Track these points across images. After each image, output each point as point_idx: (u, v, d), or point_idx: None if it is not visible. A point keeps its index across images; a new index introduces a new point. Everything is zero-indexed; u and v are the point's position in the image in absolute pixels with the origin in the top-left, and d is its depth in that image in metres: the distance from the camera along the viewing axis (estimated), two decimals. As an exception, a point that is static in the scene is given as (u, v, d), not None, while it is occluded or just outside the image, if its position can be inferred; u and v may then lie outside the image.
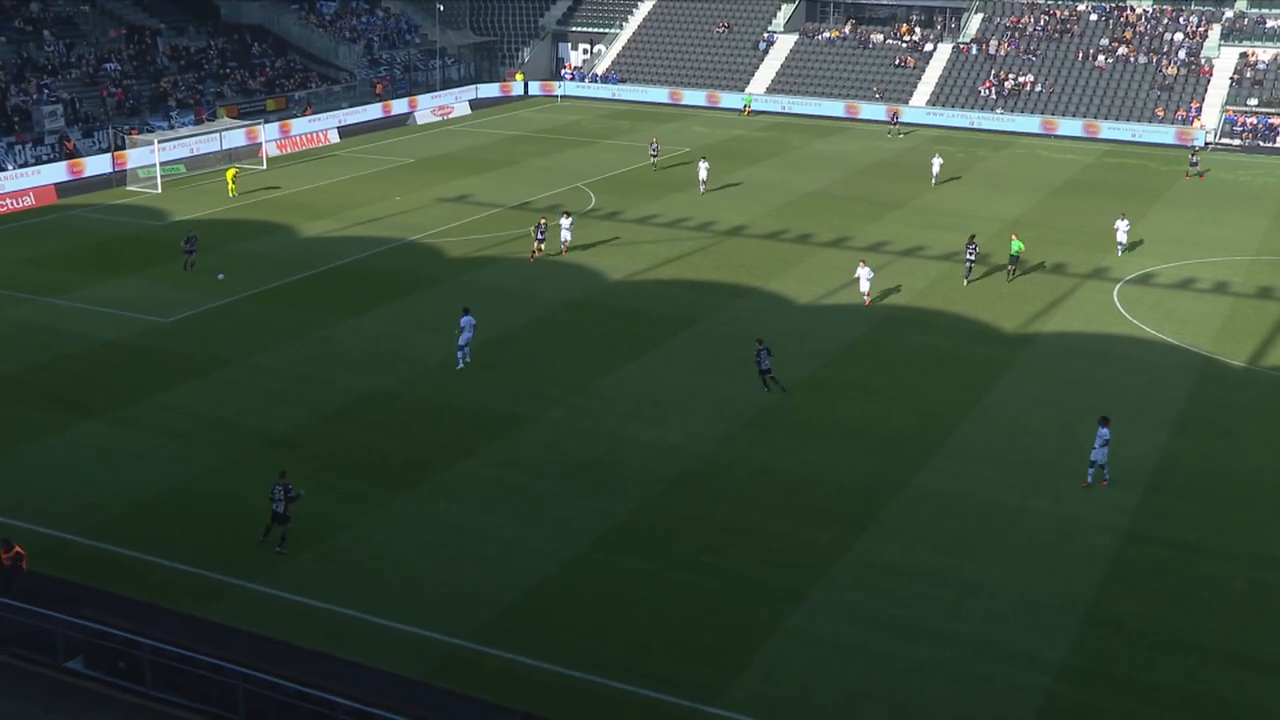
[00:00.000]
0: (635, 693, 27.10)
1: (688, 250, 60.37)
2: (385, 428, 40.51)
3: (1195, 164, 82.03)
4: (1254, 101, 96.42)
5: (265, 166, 78.92)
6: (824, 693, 27.35)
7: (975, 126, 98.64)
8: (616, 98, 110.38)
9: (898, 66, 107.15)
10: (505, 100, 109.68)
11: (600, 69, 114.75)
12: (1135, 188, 78.63)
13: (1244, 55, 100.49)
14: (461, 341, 44.79)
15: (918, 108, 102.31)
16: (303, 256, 59.24)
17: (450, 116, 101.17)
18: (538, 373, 45.05)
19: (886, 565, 32.56)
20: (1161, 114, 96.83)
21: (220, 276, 47.78)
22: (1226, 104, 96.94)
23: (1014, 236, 57.49)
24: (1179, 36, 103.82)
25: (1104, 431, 36.31)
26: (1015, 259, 56.52)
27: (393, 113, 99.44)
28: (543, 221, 58.96)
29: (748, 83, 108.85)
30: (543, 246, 58.29)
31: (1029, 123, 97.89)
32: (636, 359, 46.43)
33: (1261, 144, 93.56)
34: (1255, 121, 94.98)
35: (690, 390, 43.56)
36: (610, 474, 37.27)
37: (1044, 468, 38.23)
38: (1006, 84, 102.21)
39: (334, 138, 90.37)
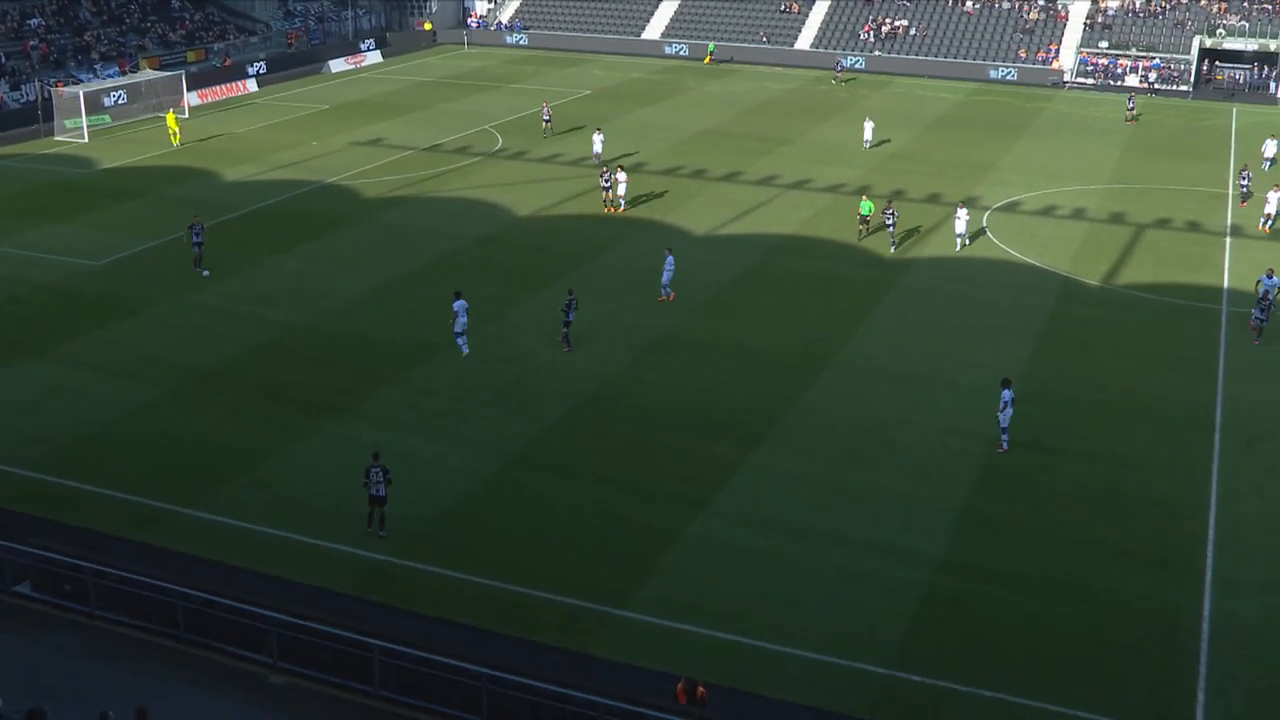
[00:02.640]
0: (550, 599, 27.23)
1: (590, 187, 60.00)
2: (310, 359, 40.04)
3: (1132, 109, 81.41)
4: (1104, 44, 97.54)
5: (187, 115, 76.99)
6: (723, 593, 27.65)
7: (856, 67, 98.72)
8: (520, 44, 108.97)
9: (783, 12, 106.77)
10: (415, 48, 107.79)
11: (505, 17, 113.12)
12: (1001, 123, 79.37)
13: (1095, 2, 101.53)
14: (458, 329, 39.78)
15: (802, 50, 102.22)
16: (227, 200, 58.05)
17: (362, 65, 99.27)
18: (451, 304, 44.58)
19: (781, 474, 32.89)
20: (1024, 55, 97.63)
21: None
22: (1081, 46, 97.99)
23: (864, 197, 54.37)
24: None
25: (1006, 394, 33.71)
26: (865, 219, 52.52)
27: (308, 61, 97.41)
28: (606, 171, 57.66)
29: (644, 28, 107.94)
30: (611, 194, 56.69)
31: (906, 64, 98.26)
32: (545, 289, 46.20)
33: (1111, 83, 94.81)
34: (1106, 62, 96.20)
35: (596, 317, 43.44)
36: (523, 397, 37.19)
37: (923, 381, 38.74)
38: (884, 28, 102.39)
39: (252, 86, 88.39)
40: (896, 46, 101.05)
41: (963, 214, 51.84)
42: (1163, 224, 56.74)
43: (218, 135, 72.03)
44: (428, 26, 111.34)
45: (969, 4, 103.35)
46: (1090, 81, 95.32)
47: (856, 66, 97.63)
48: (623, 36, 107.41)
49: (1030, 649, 26.03)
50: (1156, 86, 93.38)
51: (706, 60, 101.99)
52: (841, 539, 29.81)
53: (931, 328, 43.24)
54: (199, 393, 37.20)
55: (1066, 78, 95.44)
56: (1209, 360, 40.93)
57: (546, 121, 71.54)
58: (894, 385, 38.51)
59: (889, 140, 70.87)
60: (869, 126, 70.39)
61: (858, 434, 35.32)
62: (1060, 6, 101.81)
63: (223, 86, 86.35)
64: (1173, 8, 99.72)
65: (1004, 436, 34.16)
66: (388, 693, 22.74)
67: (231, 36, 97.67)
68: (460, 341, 39.91)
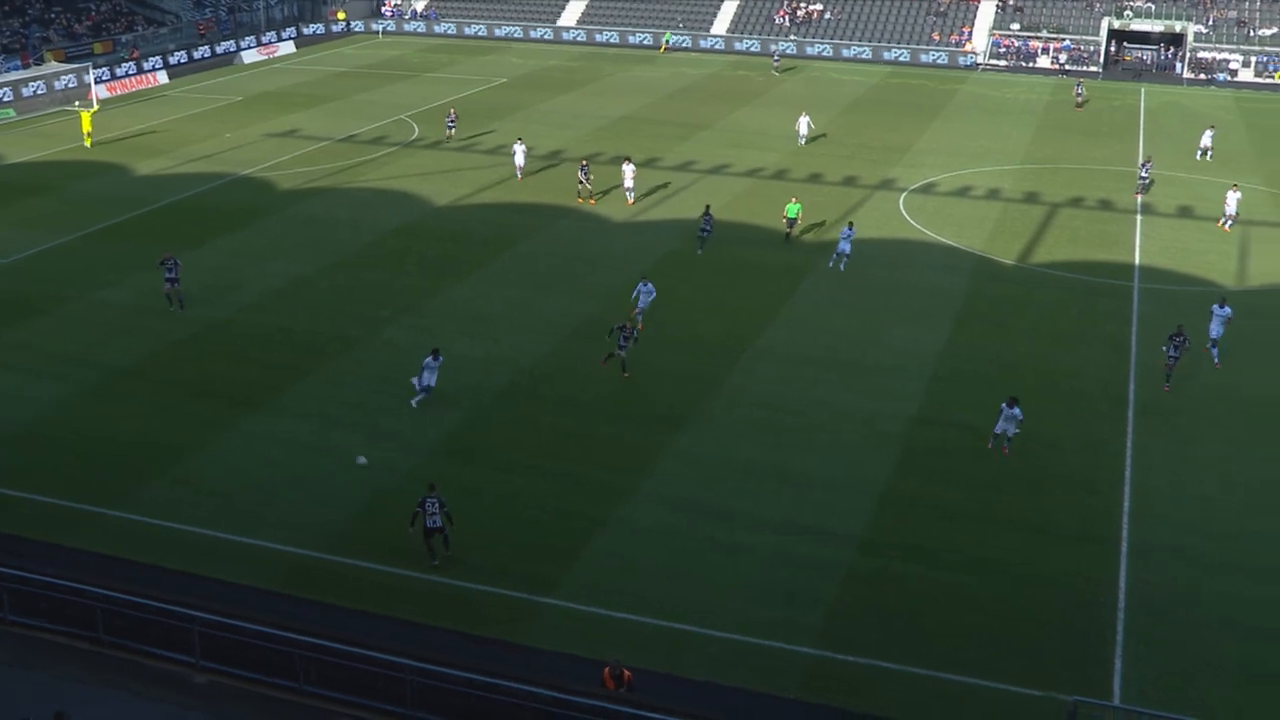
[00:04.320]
0: (478, 589, 27.19)
1: (508, 175, 59.83)
2: (228, 354, 39.58)
3: (1080, 94, 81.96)
4: (1016, 26, 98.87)
5: (96, 108, 75.65)
6: (649, 578, 27.79)
7: (756, 50, 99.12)
8: (435, 33, 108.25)
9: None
10: (329, 37, 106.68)
11: (419, 6, 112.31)
12: (916, 105, 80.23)
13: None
14: (421, 385, 35.71)
15: (718, 35, 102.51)
16: (139, 194, 57.14)
17: (276, 55, 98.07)
18: (370, 296, 44.36)
19: (704, 459, 33.07)
20: (937, 38, 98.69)
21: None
22: (993, 29, 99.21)
23: (793, 200, 52.48)
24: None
25: (1016, 411, 32.79)
26: (793, 222, 50.92)
27: (220, 52, 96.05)
28: (586, 164, 56.88)
29: (559, 16, 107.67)
30: (589, 186, 55.85)
31: (821, 47, 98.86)
32: (464, 279, 46.03)
33: (1024, 64, 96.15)
34: (1017, 44, 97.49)
35: (516, 306, 43.41)
36: (445, 387, 37.02)
37: (844, 364, 39.13)
38: (799, 13, 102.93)
39: (163, 79, 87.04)
40: (812, 31, 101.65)
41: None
42: (1075, 203, 57.71)
43: (129, 129, 70.82)
44: (341, 16, 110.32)
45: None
46: (1003, 63, 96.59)
47: (788, 53, 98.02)
48: (539, 24, 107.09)
49: (952, 625, 26.44)
50: (1067, 68, 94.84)
51: (662, 50, 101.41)
52: (765, 521, 30.05)
53: (850, 310, 43.66)
54: (116, 391, 36.65)
55: (979, 60, 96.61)
56: (1122, 336, 41.73)
57: (450, 128, 67.61)
58: (814, 368, 38.86)
59: (825, 135, 70.22)
60: (804, 121, 68.43)
61: (780, 417, 35.60)
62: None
63: (132, 79, 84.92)
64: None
65: (992, 441, 33.64)
66: (314, 688, 22.60)
67: (140, 28, 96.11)
68: (418, 390, 35.66)
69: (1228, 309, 39.18)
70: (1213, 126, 67.81)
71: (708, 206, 49.40)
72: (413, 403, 35.43)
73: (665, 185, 58.85)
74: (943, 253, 49.78)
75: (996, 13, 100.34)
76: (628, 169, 55.93)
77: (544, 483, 31.79)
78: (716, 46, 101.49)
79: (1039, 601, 27.29)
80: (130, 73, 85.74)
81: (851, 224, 47.41)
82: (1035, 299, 45.12)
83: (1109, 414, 36.08)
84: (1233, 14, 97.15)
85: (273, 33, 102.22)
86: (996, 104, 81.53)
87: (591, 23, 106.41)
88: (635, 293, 41.44)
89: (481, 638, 25.58)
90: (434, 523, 27.70)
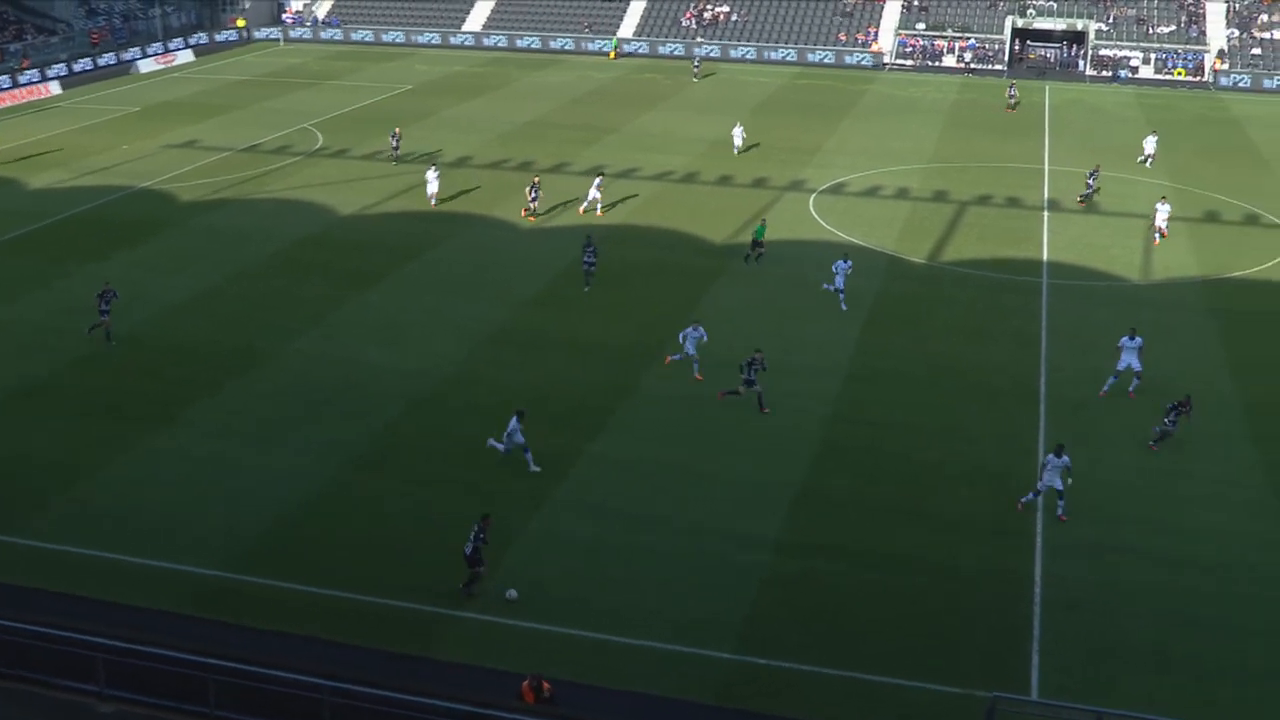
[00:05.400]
0: (392, 605, 26.88)
1: (415, 183, 59.37)
2: (131, 370, 38.80)
3: (1013, 96, 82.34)
4: (922, 25, 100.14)
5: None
6: (567, 587, 27.66)
7: (678, 54, 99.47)
8: (338, 39, 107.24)
9: (605, 2, 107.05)
10: (229, 45, 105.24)
11: (321, 13, 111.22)
12: (824, 105, 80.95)
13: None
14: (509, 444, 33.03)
15: (625, 39, 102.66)
16: (34, 208, 55.88)
17: (174, 64, 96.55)
18: (277, 307, 43.80)
19: (619, 464, 33.04)
20: (844, 38, 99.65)
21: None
22: (899, 28, 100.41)
23: (760, 221, 50.54)
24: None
25: (1065, 460, 30.44)
26: (759, 243, 48.60)
27: (115, 61, 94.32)
28: (536, 180, 55.60)
29: (464, 21, 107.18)
30: (537, 205, 54.56)
31: (728, 49, 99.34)
32: (372, 288, 45.61)
33: (930, 63, 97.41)
34: (923, 43, 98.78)
35: (427, 314, 43.10)
36: (354, 399, 36.64)
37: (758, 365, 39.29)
38: (705, 15, 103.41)
39: (55, 89, 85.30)
40: (719, 33, 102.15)
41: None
42: (983, 200, 58.57)
43: (20, 141, 69.22)
44: (240, 24, 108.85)
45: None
46: (909, 63, 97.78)
47: (695, 54, 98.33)
48: (444, 29, 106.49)
49: (871, 625, 26.62)
50: (973, 66, 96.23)
51: (611, 56, 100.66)
52: (683, 525, 30.05)
53: (762, 312, 43.89)
54: (13, 413, 35.77)
55: (886, 59, 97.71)
56: (1031, 332, 42.39)
57: (394, 148, 64.45)
58: (729, 370, 38.89)
59: (759, 144, 69.03)
60: (738, 131, 67.07)
61: (694, 420, 35.66)
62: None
63: (23, 90, 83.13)
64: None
65: (1035, 495, 31.09)
66: (226, 713, 22.20)
67: (30, 36, 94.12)
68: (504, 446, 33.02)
69: (1139, 339, 37.46)
70: (1155, 132, 67.83)
71: (589, 236, 46.61)
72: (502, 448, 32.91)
73: (573, 191, 58.72)
74: (853, 252, 50.15)
75: (902, 12, 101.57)
76: (597, 180, 55.35)
77: (456, 493, 31.53)
78: (623, 50, 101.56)
79: (956, 597, 27.59)
80: (21, 83, 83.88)
81: (847, 256, 45.26)
82: (945, 297, 45.68)
83: (1020, 409, 36.60)
84: (1132, 12, 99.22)
85: (171, 41, 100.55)
86: (904, 103, 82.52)
87: (498, 27, 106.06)
88: (682, 336, 38.33)
89: (399, 654, 25.30)
90: (465, 549, 27.12)
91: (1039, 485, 30.81)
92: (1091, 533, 30.25)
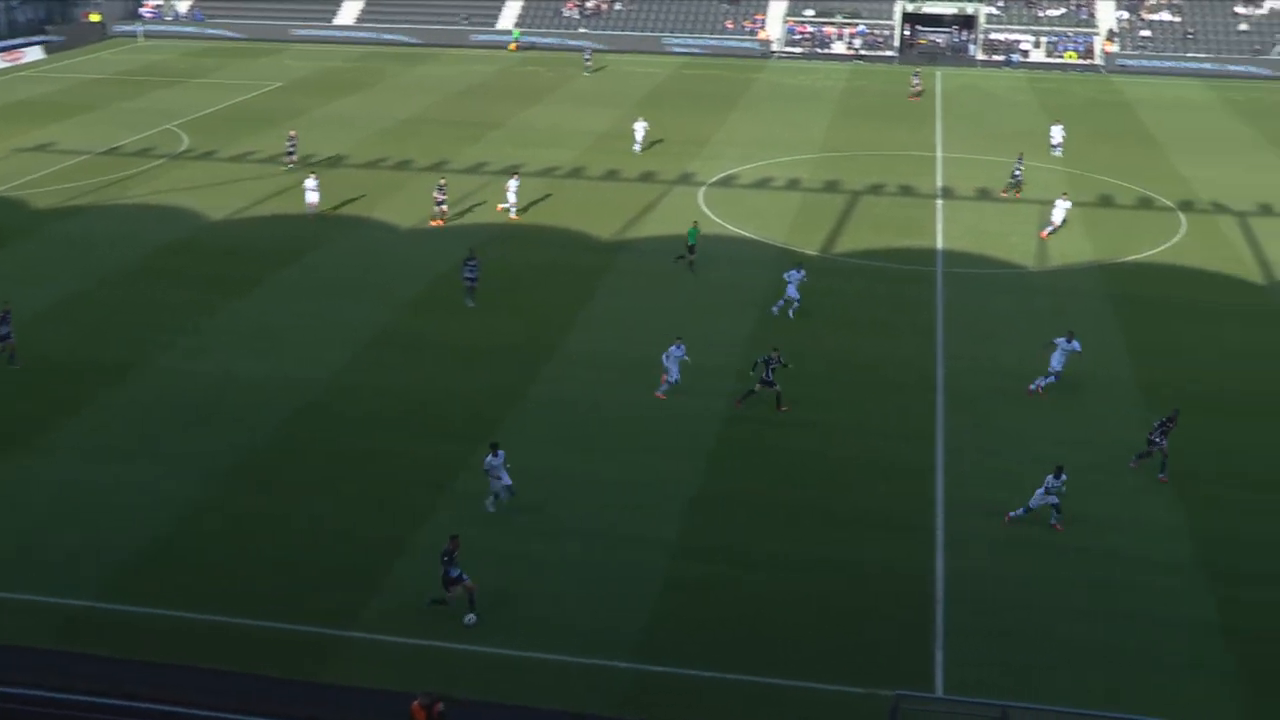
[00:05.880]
0: (274, 628, 26.49)
1: (288, 185, 58.63)
2: (-14, 390, 37.85)
3: (917, 84, 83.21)
4: (811, 12, 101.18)
5: None
6: (457, 599, 27.52)
7: (564, 45, 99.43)
8: (202, 35, 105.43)
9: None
10: (83, 42, 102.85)
11: (183, 7, 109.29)
12: (712, 96, 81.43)
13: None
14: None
15: (504, 31, 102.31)
16: (-126, 220, 54.24)
17: (21, 62, 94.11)
18: (147, 318, 42.94)
19: (511, 471, 32.75)
20: (731, 26, 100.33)
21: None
22: (788, 15, 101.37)
23: (693, 224, 49.18)
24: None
25: (1058, 479, 30.57)
26: (692, 248, 47.80)
27: None
28: (442, 182, 54.69)
29: (335, 14, 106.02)
30: (445, 209, 53.65)
31: (613, 39, 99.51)
32: (246, 295, 44.95)
33: (818, 50, 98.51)
34: (812, 30, 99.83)
35: (303, 320, 42.58)
36: (230, 412, 36.06)
37: (649, 365, 39.29)
38: (588, 4, 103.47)
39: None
40: (602, 23, 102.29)
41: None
42: (875, 190, 59.39)
43: None
44: (95, 18, 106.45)
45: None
46: (798, 50, 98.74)
47: (597, 48, 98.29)
48: (315, 23, 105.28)
49: (774, 627, 26.83)
50: (863, 53, 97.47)
51: (512, 48, 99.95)
52: (577, 532, 30.04)
53: (653, 310, 44.05)
54: None
55: (774, 47, 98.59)
56: (927, 323, 43.07)
57: (290, 152, 62.73)
58: (620, 371, 39.05)
59: (661, 141, 68.28)
60: (640, 126, 66.26)
61: (586, 423, 35.68)
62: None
63: None
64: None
65: (1024, 511, 30.89)
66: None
67: None
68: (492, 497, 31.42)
69: (1076, 343, 37.64)
70: (1060, 122, 68.79)
71: (472, 250, 45.34)
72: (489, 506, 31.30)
73: (455, 190, 58.43)
74: (744, 246, 50.64)
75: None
76: (512, 183, 54.74)
77: (340, 507, 31.19)
78: (502, 41, 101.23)
79: (858, 596, 27.94)
80: None
81: (800, 265, 44.84)
82: (840, 289, 46.20)
83: (918, 400, 37.16)
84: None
85: (20, 38, 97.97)
86: (793, 92, 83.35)
87: (371, 21, 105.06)
88: (665, 356, 37.30)
89: (283, 680, 24.94)
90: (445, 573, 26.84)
91: (1032, 503, 30.54)
92: (992, 526, 30.80)
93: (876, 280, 47.15)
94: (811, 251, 49.91)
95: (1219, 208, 57.74)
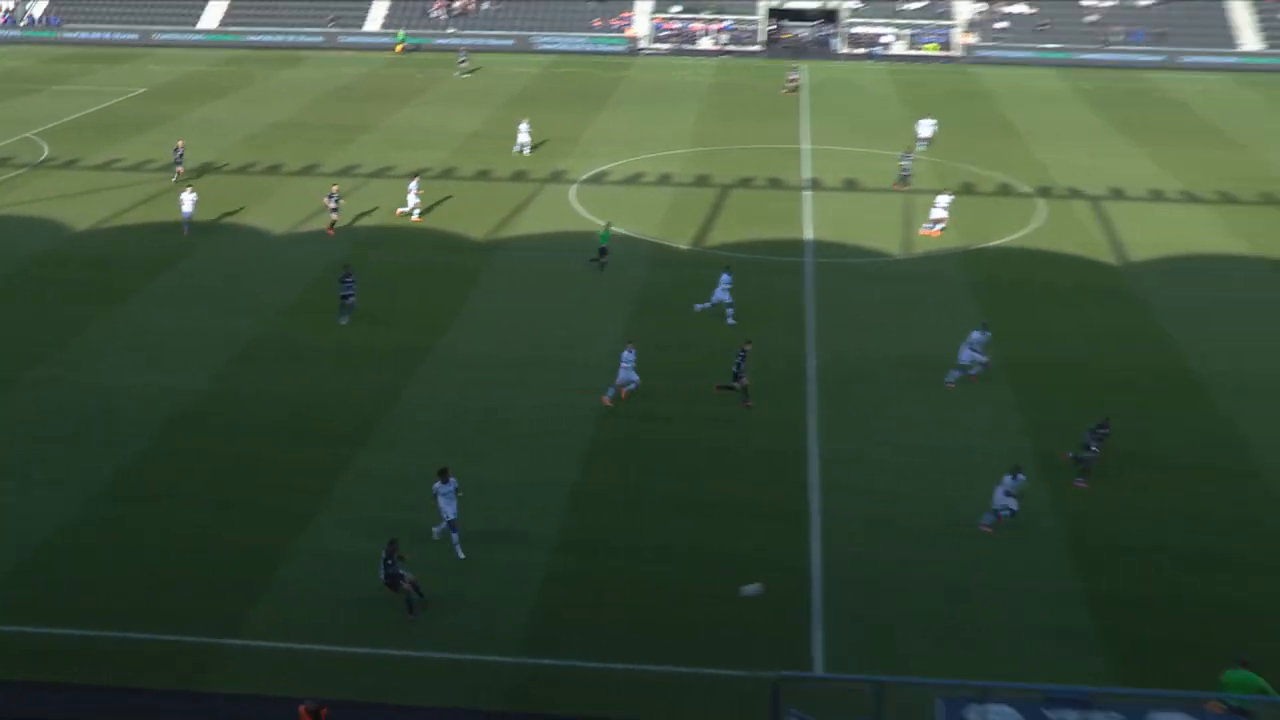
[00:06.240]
0: (155, 639, 26.18)
1: (156, 192, 57.68)
2: None
3: (793, 79, 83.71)
4: (677, 8, 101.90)
5: None
6: (341, 604, 27.46)
7: (452, 45, 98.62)
8: (60, 39, 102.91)
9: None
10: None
11: (37, 11, 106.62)
12: (583, 94, 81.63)
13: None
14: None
15: (371, 32, 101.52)
16: None
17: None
18: (13, 332, 41.99)
19: (387, 475, 32.88)
20: (599, 24, 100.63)
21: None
22: (654, 12, 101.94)
23: (605, 226, 49.20)
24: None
25: (1015, 479, 30.55)
26: (604, 249, 47.75)
27: None
28: (335, 189, 53.28)
29: (199, 18, 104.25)
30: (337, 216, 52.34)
31: (483, 40, 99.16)
32: (118, 305, 44.17)
33: (685, 46, 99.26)
34: (679, 27, 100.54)
35: (178, 330, 41.99)
36: (106, 425, 35.46)
37: (524, 364, 39.57)
38: (455, 4, 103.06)
39: None
40: (470, 24, 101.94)
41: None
42: (745, 183, 60.14)
43: None
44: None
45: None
46: (665, 47, 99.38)
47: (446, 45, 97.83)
48: (177, 27, 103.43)
49: (656, 616, 27.21)
50: (729, 48, 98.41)
51: (398, 49, 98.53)
52: (458, 533, 30.08)
53: (527, 309, 44.19)
54: None
55: (642, 45, 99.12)
56: (797, 312, 43.79)
57: (177, 162, 60.12)
58: (495, 371, 39.14)
59: (546, 142, 67.75)
60: (524, 127, 65.78)
61: (463, 425, 35.72)
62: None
63: None
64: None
65: (1001, 513, 30.64)
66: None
67: None
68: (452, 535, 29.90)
69: (988, 334, 38.50)
70: (932, 117, 69.40)
71: (348, 267, 43.66)
72: (435, 531, 30.06)
73: (330, 193, 57.92)
74: (617, 242, 50.84)
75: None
76: (412, 184, 54.43)
77: (218, 516, 30.90)
78: (370, 43, 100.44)
79: (737, 583, 28.36)
80: None
81: (729, 268, 44.13)
82: (712, 281, 46.47)
83: (791, 389, 37.78)
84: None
85: None
86: (662, 88, 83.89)
87: (236, 24, 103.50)
88: (621, 358, 37.00)
89: (165, 691, 24.72)
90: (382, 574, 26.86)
91: (997, 507, 30.43)
92: (866, 510, 31.52)
93: (748, 271, 47.64)
94: (683, 245, 50.39)
95: (1074, 193, 59.49)
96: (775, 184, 60.25)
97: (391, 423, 35.84)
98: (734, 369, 36.85)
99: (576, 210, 55.28)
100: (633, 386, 37.05)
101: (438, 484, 29.32)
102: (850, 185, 60.06)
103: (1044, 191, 59.68)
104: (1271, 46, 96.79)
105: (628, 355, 36.94)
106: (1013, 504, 30.47)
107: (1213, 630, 27.02)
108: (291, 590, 28.00)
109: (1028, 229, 53.61)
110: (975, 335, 38.48)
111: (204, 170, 61.73)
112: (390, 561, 26.77)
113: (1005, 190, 59.82)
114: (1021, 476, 30.62)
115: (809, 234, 52.42)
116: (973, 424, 36.11)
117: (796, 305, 44.46)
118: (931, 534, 30.54)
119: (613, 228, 49.35)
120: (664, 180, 60.55)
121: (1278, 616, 27.63)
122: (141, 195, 57.72)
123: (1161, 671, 25.39)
